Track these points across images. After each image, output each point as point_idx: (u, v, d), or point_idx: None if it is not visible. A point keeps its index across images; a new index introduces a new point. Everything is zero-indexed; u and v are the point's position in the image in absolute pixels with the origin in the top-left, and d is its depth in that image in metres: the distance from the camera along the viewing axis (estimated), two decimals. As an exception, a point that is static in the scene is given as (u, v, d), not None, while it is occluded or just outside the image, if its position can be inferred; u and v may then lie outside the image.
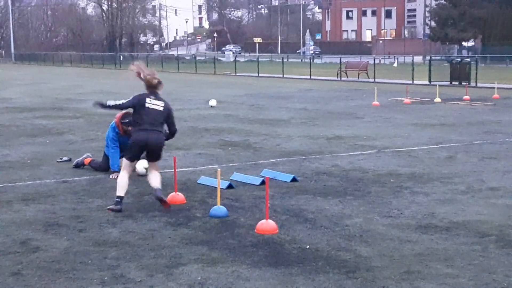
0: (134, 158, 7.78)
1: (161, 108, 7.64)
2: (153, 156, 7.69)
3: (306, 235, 6.57)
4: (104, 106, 7.71)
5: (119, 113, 9.41)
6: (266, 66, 46.94)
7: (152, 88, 7.83)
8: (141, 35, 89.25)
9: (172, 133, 7.99)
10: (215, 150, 11.96)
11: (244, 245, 6.29)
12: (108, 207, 7.53)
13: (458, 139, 13.12)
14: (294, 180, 9.12)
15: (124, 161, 7.71)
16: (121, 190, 7.49)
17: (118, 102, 7.68)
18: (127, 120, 9.14)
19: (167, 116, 7.70)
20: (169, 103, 7.93)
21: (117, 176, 7.92)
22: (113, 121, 9.61)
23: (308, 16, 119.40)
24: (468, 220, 7.11)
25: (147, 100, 7.63)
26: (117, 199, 7.48)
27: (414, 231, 6.70)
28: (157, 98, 7.75)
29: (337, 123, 16.06)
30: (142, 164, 9.52)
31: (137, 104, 7.61)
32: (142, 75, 7.86)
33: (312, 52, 75.48)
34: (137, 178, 9.40)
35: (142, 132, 7.48)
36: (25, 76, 42.20)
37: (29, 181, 9.24)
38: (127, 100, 7.68)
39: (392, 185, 8.89)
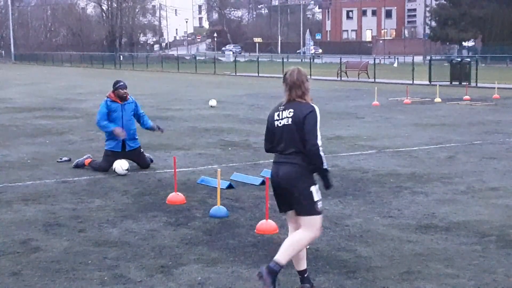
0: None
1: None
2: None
3: (306, 235, 6.56)
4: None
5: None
6: (266, 66, 46.92)
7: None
8: (141, 35, 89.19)
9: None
10: (215, 150, 11.96)
11: (244, 245, 6.29)
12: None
13: (458, 139, 13.11)
14: (294, 180, 9.09)
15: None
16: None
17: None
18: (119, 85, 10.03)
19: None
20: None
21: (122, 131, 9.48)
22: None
23: (308, 16, 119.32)
24: (468, 220, 7.11)
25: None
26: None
27: (414, 231, 6.70)
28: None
29: (337, 123, 16.05)
30: (120, 164, 9.57)
31: None
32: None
33: (313, 52, 75.46)
34: (137, 178, 9.41)
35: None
36: (25, 76, 42.20)
37: (29, 181, 9.24)
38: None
39: (392, 185, 8.88)
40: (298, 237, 4.85)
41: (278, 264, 4.75)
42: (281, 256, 4.78)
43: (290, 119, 4.85)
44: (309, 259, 5.84)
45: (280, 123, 4.90)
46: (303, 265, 5.03)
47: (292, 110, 4.87)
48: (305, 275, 5.06)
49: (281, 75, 26.54)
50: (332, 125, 15.60)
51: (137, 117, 10.31)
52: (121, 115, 9.98)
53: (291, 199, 4.88)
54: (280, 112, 4.93)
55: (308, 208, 4.85)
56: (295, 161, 4.82)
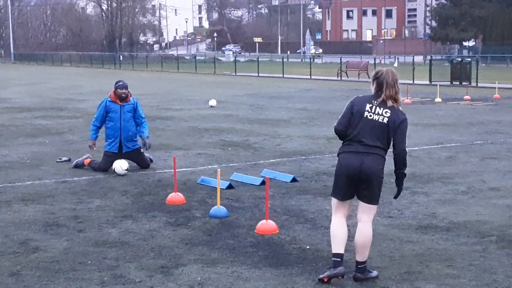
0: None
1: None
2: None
3: (306, 236, 6.56)
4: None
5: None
6: (266, 66, 46.93)
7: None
8: (141, 35, 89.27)
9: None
10: (215, 150, 11.95)
11: (244, 245, 6.28)
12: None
13: (458, 139, 13.10)
14: (294, 180, 9.10)
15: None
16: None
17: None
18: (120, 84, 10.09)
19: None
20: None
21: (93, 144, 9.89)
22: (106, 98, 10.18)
23: (308, 16, 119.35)
24: (468, 220, 7.09)
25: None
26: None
27: (415, 232, 6.68)
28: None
29: (337, 123, 16.01)
30: (119, 164, 9.56)
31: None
32: None
33: (313, 52, 75.44)
34: (137, 178, 9.39)
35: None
36: (24, 76, 42.20)
37: (28, 181, 9.22)
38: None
39: (392, 185, 8.83)
40: (368, 232, 5.31)
41: (363, 263, 5.34)
42: (361, 255, 5.33)
43: (386, 118, 5.18)
44: (309, 259, 5.84)
45: (371, 116, 5.19)
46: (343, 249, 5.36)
47: (389, 111, 5.19)
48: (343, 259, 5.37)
49: (281, 75, 26.56)
50: (332, 125, 15.52)
51: (136, 120, 10.16)
52: (120, 116, 9.91)
53: (364, 187, 5.21)
54: (374, 107, 5.22)
55: (377, 197, 5.29)
56: (381, 154, 5.21)
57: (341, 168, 5.26)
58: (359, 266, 5.33)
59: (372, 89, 5.33)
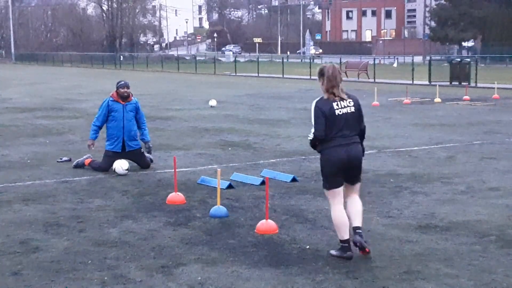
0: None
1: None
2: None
3: (306, 235, 6.57)
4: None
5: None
6: (266, 66, 46.94)
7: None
8: (141, 35, 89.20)
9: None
10: (215, 150, 11.96)
11: (244, 245, 6.29)
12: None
13: (458, 139, 13.12)
14: (294, 180, 9.12)
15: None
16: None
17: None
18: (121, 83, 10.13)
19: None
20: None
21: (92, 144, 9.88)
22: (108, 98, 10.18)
23: (308, 16, 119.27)
24: (468, 220, 7.11)
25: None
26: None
27: (414, 231, 6.70)
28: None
29: (337, 123, 16.03)
30: (120, 164, 9.58)
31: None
32: None
33: (313, 52, 75.37)
34: (137, 178, 9.41)
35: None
36: (25, 76, 42.21)
37: (29, 181, 9.24)
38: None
39: (392, 185, 8.89)
40: (360, 203, 5.99)
41: (360, 228, 5.83)
42: (359, 221, 5.85)
43: (353, 108, 5.79)
44: (309, 259, 5.85)
45: (341, 111, 5.74)
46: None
47: (351, 100, 5.83)
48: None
49: (281, 75, 26.51)
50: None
51: (137, 122, 10.20)
52: (122, 116, 9.98)
53: (354, 172, 5.89)
54: (338, 103, 5.76)
55: (360, 175, 5.99)
56: (358, 140, 5.87)
57: (330, 162, 5.80)
58: (357, 231, 5.82)
59: (320, 85, 5.86)
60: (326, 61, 62.15)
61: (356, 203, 5.97)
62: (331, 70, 5.81)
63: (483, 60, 50.77)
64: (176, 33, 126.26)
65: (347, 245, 5.74)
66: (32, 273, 5.55)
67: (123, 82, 10.11)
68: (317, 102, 5.82)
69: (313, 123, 5.79)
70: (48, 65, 64.29)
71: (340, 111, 5.73)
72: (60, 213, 7.51)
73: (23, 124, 16.15)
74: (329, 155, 5.79)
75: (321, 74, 5.84)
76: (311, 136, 5.86)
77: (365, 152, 6.11)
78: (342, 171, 5.82)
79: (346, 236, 5.76)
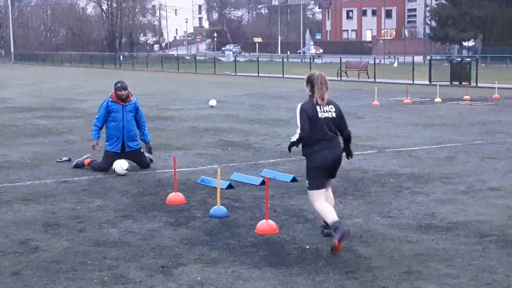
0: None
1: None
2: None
3: (306, 235, 6.57)
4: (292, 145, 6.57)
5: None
6: (266, 66, 46.91)
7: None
8: (141, 35, 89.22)
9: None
10: (215, 150, 11.95)
11: (244, 245, 6.29)
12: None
13: (458, 139, 13.11)
14: (294, 180, 9.11)
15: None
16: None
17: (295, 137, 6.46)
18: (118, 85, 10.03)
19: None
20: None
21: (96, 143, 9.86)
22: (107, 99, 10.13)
23: (308, 16, 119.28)
24: (468, 220, 7.10)
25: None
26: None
27: (414, 231, 6.69)
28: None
29: (337, 123, 16.03)
30: (119, 164, 9.58)
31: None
32: None
33: (314, 52, 75.35)
34: (137, 178, 9.40)
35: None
36: (24, 76, 42.20)
37: (29, 181, 9.23)
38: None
39: (392, 185, 8.88)
40: (333, 198, 6.57)
41: (339, 221, 6.10)
42: (334, 215, 6.16)
43: (334, 113, 6.29)
44: (309, 259, 5.85)
45: (323, 115, 6.23)
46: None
47: (333, 106, 6.32)
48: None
49: (281, 75, 26.60)
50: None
51: (137, 122, 10.18)
52: (122, 116, 9.94)
53: (334, 171, 6.40)
54: (321, 107, 6.23)
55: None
56: (339, 142, 6.37)
57: (318, 164, 6.23)
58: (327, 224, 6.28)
59: (307, 91, 6.31)
60: (326, 61, 62.14)
61: (331, 197, 6.54)
62: (319, 79, 6.21)
63: (483, 60, 50.78)
64: (176, 33, 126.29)
65: (339, 223, 6.07)
66: (32, 273, 5.54)
67: (119, 85, 9.99)
68: (302, 105, 6.31)
69: (298, 124, 6.28)
70: (48, 65, 64.30)
71: (322, 115, 6.23)
72: (59, 213, 7.50)
73: (23, 124, 16.14)
74: (317, 158, 6.25)
75: (309, 81, 6.28)
76: (295, 137, 6.34)
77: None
78: (326, 171, 6.33)
79: (335, 218, 6.12)
